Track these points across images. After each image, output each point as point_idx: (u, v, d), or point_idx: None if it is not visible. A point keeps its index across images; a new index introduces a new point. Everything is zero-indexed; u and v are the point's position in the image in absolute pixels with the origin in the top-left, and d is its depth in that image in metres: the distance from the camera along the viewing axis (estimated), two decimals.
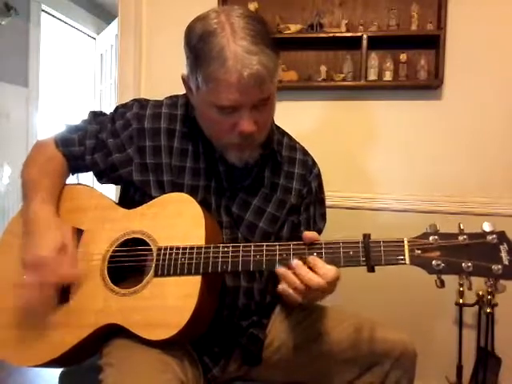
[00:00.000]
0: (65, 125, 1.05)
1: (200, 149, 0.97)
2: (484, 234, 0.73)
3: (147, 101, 1.02)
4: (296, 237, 1.02)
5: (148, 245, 0.87)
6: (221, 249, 0.83)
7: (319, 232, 1.06)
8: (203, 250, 0.83)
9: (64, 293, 0.88)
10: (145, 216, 0.91)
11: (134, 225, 0.90)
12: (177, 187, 0.95)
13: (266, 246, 0.81)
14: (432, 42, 1.71)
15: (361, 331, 0.96)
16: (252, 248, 0.82)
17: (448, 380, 1.73)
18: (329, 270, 0.75)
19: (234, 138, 0.87)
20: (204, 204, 0.92)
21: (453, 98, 1.74)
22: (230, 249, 0.82)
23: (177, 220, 0.88)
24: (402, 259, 0.74)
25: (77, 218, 0.94)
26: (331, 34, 1.75)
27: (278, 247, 0.81)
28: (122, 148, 0.97)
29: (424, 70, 1.71)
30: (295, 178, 1.03)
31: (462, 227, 0.74)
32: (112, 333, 0.85)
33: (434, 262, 0.73)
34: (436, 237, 0.74)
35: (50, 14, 3.58)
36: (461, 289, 1.59)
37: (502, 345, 1.65)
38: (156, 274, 0.84)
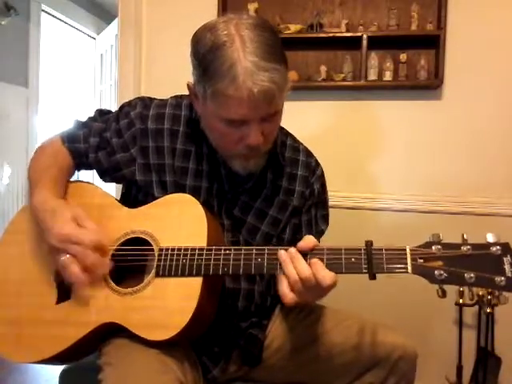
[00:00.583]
0: (73, 120, 1.05)
1: (203, 150, 0.97)
2: (488, 245, 0.72)
3: (151, 100, 1.02)
4: (298, 239, 1.03)
5: (150, 245, 0.87)
6: (222, 251, 0.82)
7: (321, 234, 1.06)
8: (205, 251, 0.83)
9: (65, 290, 0.88)
10: (147, 216, 0.91)
11: (136, 224, 0.90)
12: (179, 188, 0.95)
13: (268, 249, 0.81)
14: (432, 42, 1.71)
15: (361, 332, 0.96)
16: (254, 251, 0.81)
17: (448, 380, 1.73)
18: (327, 274, 0.74)
19: (241, 150, 0.87)
20: (206, 206, 0.92)
21: (453, 98, 1.74)
22: (232, 251, 0.82)
23: (179, 220, 0.88)
24: (404, 268, 0.73)
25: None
26: (331, 34, 1.75)
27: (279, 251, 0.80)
28: (126, 148, 0.98)
29: (424, 69, 1.71)
30: (298, 179, 1.02)
31: (465, 237, 0.73)
32: (112, 332, 0.85)
33: (436, 272, 0.72)
34: (439, 246, 0.73)
35: (50, 14, 3.58)
36: (461, 289, 1.59)
37: (502, 345, 1.64)
38: (157, 275, 0.84)
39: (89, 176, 1.14)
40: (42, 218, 0.87)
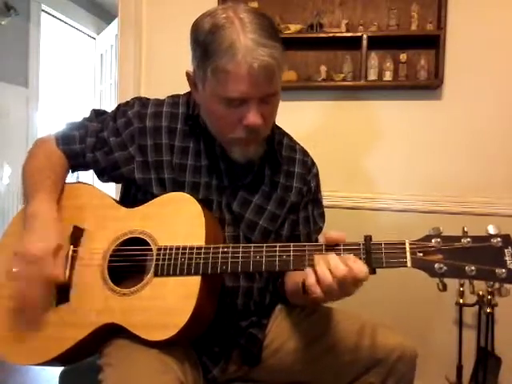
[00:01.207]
0: (66, 123, 1.05)
1: (201, 146, 0.97)
2: (488, 237, 0.71)
3: (148, 99, 1.03)
4: (295, 235, 1.03)
5: (148, 244, 0.87)
6: (220, 249, 0.82)
7: (319, 231, 1.07)
8: (203, 250, 0.83)
9: (64, 291, 0.88)
10: (145, 215, 0.91)
11: (134, 224, 0.90)
12: (178, 185, 0.95)
13: (266, 247, 0.81)
14: (432, 42, 1.71)
15: (361, 332, 0.96)
16: (252, 249, 0.81)
17: (448, 380, 1.73)
18: (360, 265, 0.72)
19: (240, 132, 0.87)
20: (206, 201, 0.92)
21: (453, 98, 1.74)
22: (230, 249, 0.82)
23: (177, 219, 0.88)
24: (403, 262, 0.73)
25: (78, 216, 0.94)
26: (331, 34, 1.75)
27: (278, 248, 0.80)
28: (124, 146, 0.98)
29: (424, 69, 1.71)
30: (295, 176, 1.03)
31: (465, 230, 0.73)
32: (112, 332, 0.85)
33: (436, 265, 0.71)
34: (439, 239, 0.73)
35: (50, 14, 3.58)
36: (461, 289, 1.59)
37: (502, 345, 1.64)
38: (156, 274, 0.84)
39: (89, 177, 1.14)
40: (30, 226, 0.87)
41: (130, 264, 0.88)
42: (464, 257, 0.71)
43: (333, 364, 0.95)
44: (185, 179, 0.96)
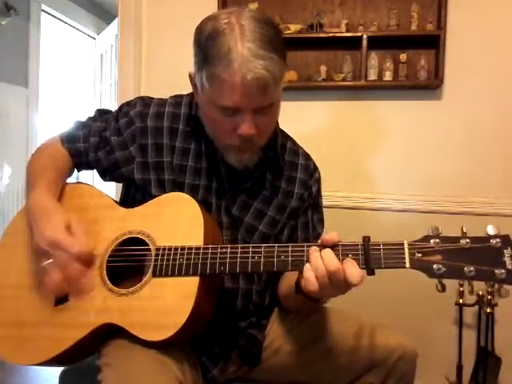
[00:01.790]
0: (73, 121, 1.06)
1: (202, 148, 0.97)
2: (488, 238, 0.70)
3: (151, 99, 1.02)
4: (294, 240, 1.02)
5: (147, 245, 0.87)
6: (219, 250, 0.82)
7: (318, 236, 1.06)
8: (201, 250, 0.83)
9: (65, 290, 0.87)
10: (144, 216, 0.91)
11: (133, 224, 0.90)
12: (177, 186, 0.95)
13: (265, 247, 0.80)
14: (432, 42, 1.71)
15: (361, 332, 0.95)
16: (250, 249, 0.81)
17: (448, 380, 1.73)
18: (358, 272, 0.73)
19: (235, 140, 0.87)
20: (204, 204, 0.92)
21: (453, 98, 1.74)
22: (228, 250, 0.82)
23: (176, 220, 0.88)
24: (402, 263, 0.73)
25: (77, 216, 0.94)
26: (331, 34, 1.75)
27: (276, 249, 0.80)
28: (125, 146, 0.98)
29: (424, 69, 1.71)
30: (297, 182, 1.02)
31: (464, 230, 0.72)
32: (111, 332, 0.85)
33: (434, 266, 0.71)
34: (437, 240, 0.72)
35: (50, 14, 3.58)
36: (461, 289, 1.59)
37: (502, 345, 1.64)
38: (154, 275, 0.84)
39: (89, 177, 1.14)
40: (34, 218, 0.87)
41: (128, 264, 0.88)
42: (463, 257, 0.70)
43: (332, 364, 0.95)
44: (184, 180, 0.96)
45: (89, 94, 4.11)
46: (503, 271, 0.68)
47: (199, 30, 0.85)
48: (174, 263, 0.83)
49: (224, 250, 0.82)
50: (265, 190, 0.99)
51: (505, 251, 0.69)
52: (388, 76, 1.73)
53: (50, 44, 3.88)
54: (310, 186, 1.04)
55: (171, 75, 1.92)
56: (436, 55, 1.72)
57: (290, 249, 0.79)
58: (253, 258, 0.80)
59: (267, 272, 0.99)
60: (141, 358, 0.80)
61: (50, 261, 0.82)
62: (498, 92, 1.70)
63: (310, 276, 0.74)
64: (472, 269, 0.69)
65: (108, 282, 0.86)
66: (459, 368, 1.69)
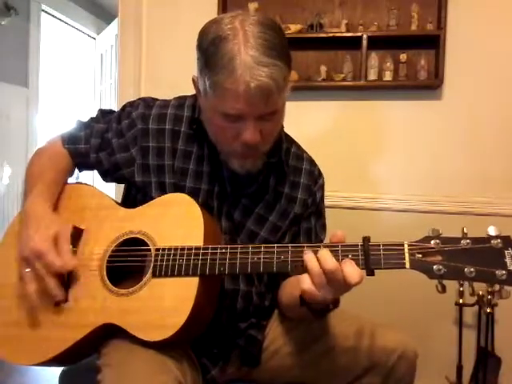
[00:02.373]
0: (75, 121, 1.05)
1: (205, 152, 0.96)
2: (488, 239, 0.70)
3: (154, 100, 1.01)
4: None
5: (147, 245, 0.87)
6: (218, 250, 0.82)
7: (321, 243, 1.06)
8: (201, 251, 0.83)
9: (63, 292, 0.87)
10: (145, 216, 0.91)
11: (133, 225, 0.90)
12: (178, 189, 0.94)
13: (264, 247, 0.80)
14: (432, 42, 1.71)
15: (361, 332, 0.95)
16: (250, 250, 0.80)
17: (448, 380, 1.73)
18: (355, 270, 0.72)
19: (237, 147, 0.86)
20: (205, 207, 0.91)
21: (453, 97, 1.74)
22: (228, 250, 0.82)
23: (176, 221, 0.88)
24: (402, 263, 0.72)
25: (77, 216, 0.94)
26: (331, 34, 1.75)
27: (276, 249, 0.79)
28: (126, 148, 0.98)
29: (424, 69, 1.71)
30: (300, 187, 1.01)
31: (465, 231, 0.72)
32: (111, 333, 0.85)
33: (435, 267, 0.70)
34: (438, 241, 0.72)
35: (50, 14, 3.58)
36: (461, 289, 1.58)
37: (502, 345, 1.64)
38: (154, 275, 0.84)
39: (89, 177, 1.14)
40: (26, 223, 0.87)
41: (128, 264, 0.88)
42: (463, 258, 0.70)
43: (332, 365, 0.95)
44: (185, 184, 0.95)
45: (89, 94, 4.11)
46: (504, 272, 0.68)
47: (202, 34, 0.84)
48: (173, 264, 0.83)
49: (224, 251, 0.82)
50: (268, 195, 0.98)
51: (506, 252, 0.69)
52: (388, 76, 1.73)
53: (50, 44, 3.88)
54: (313, 192, 1.03)
55: (171, 75, 1.92)
56: (436, 55, 1.73)
57: (289, 249, 0.79)
58: (252, 258, 0.80)
59: (267, 273, 0.98)
60: (140, 359, 0.80)
61: (27, 270, 0.83)
62: (498, 92, 1.70)
63: (304, 277, 0.73)
64: (472, 270, 0.69)
65: (108, 282, 0.86)
66: (459, 368, 1.69)
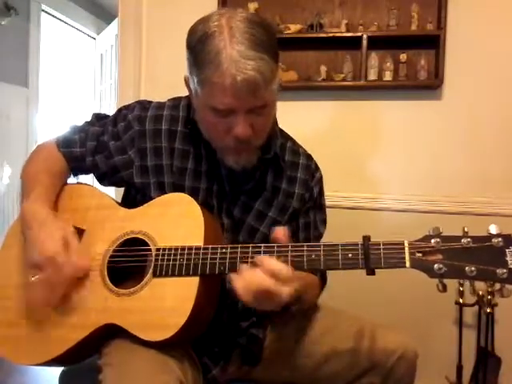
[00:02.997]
0: (69, 126, 1.05)
1: (202, 151, 0.97)
2: (489, 237, 0.70)
3: (150, 102, 1.02)
4: (296, 241, 1.02)
5: (148, 245, 0.87)
6: (219, 250, 0.82)
7: (320, 237, 1.06)
8: (201, 250, 0.83)
9: (64, 293, 0.87)
10: (145, 216, 0.91)
11: (134, 225, 0.90)
12: (178, 189, 0.94)
13: (264, 247, 0.80)
14: (432, 42, 1.71)
15: (361, 332, 0.95)
16: (250, 249, 0.81)
17: (448, 380, 1.73)
18: (271, 262, 0.74)
19: (230, 142, 0.86)
20: (205, 206, 0.91)
21: (453, 97, 1.74)
22: (228, 250, 0.82)
23: (177, 220, 0.88)
24: (402, 263, 0.72)
25: (77, 217, 0.94)
26: (331, 34, 1.75)
27: (276, 248, 0.80)
28: (124, 150, 0.98)
29: (424, 70, 1.71)
30: (297, 182, 1.02)
31: (466, 230, 0.72)
32: (112, 333, 0.85)
33: (435, 266, 0.70)
34: (438, 239, 0.71)
35: (50, 14, 3.58)
36: (461, 288, 1.58)
37: (502, 345, 1.64)
38: (155, 275, 0.84)
39: (89, 179, 1.14)
40: (30, 227, 0.87)
41: (129, 265, 0.88)
42: (464, 257, 0.69)
43: (333, 365, 0.95)
44: (184, 183, 0.95)
45: (89, 94, 4.11)
46: (505, 271, 0.67)
47: (190, 33, 0.85)
48: (174, 263, 0.83)
49: (224, 251, 0.82)
50: (266, 191, 0.99)
51: (507, 251, 0.68)
52: (388, 76, 1.73)
53: (50, 44, 3.88)
54: (311, 186, 1.03)
55: (171, 75, 1.91)
56: (436, 55, 1.72)
57: (289, 248, 0.79)
58: (252, 257, 0.80)
59: None
60: (141, 358, 0.80)
61: (37, 277, 0.83)
62: (498, 92, 1.70)
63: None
64: (473, 268, 0.68)
65: (109, 282, 0.87)
66: (459, 368, 1.69)
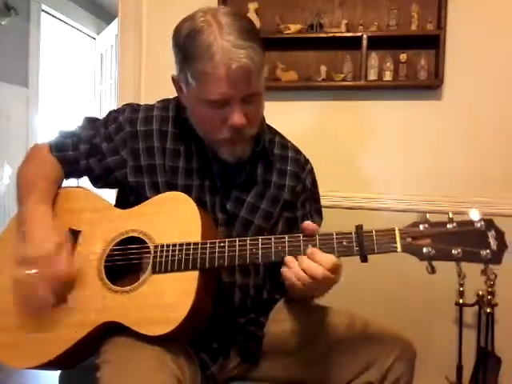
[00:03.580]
0: (58, 131, 1.06)
1: (192, 149, 0.99)
2: (472, 222, 0.75)
3: (139, 105, 1.04)
4: (290, 233, 1.03)
5: (145, 243, 0.88)
6: (217, 244, 0.84)
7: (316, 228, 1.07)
8: (200, 245, 0.84)
9: (61, 293, 0.87)
10: (141, 215, 0.92)
11: (130, 224, 0.91)
12: (171, 188, 0.96)
13: (262, 239, 0.83)
14: (432, 42, 1.71)
15: (359, 331, 0.96)
16: (248, 242, 0.83)
17: (448, 380, 1.73)
18: (326, 257, 0.78)
19: (226, 133, 0.89)
20: (199, 203, 0.92)
21: (453, 97, 1.74)
22: (226, 243, 0.84)
23: (173, 218, 0.89)
24: (393, 247, 0.77)
25: (73, 218, 0.95)
26: (331, 34, 1.75)
27: (273, 240, 0.82)
28: (116, 151, 0.99)
29: (424, 70, 1.71)
30: (288, 174, 1.04)
31: (451, 216, 0.77)
32: (111, 331, 0.85)
33: (424, 250, 0.75)
34: (426, 225, 0.77)
35: (50, 14, 3.58)
36: (461, 289, 1.59)
37: (502, 345, 1.64)
38: (154, 271, 0.85)
39: (86, 180, 1.14)
40: (28, 226, 0.88)
41: (126, 263, 0.88)
42: (450, 240, 0.75)
43: (331, 363, 0.96)
44: (177, 182, 0.97)
45: (89, 94, 4.11)
46: (488, 251, 0.73)
47: (176, 32, 0.88)
48: (173, 259, 0.84)
49: (222, 245, 0.84)
50: (257, 184, 1.01)
51: (489, 233, 0.74)
52: (388, 76, 1.73)
53: (50, 44, 3.88)
54: (302, 178, 1.06)
55: (171, 75, 1.92)
56: (436, 55, 1.72)
57: (286, 239, 0.82)
58: (251, 250, 0.82)
59: (265, 263, 1.00)
60: (139, 356, 0.80)
61: (34, 271, 0.83)
62: (498, 92, 1.70)
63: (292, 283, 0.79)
64: (459, 250, 0.74)
65: (107, 281, 0.87)
66: (459, 368, 1.69)
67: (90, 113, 1.13)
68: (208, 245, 0.84)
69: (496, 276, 0.77)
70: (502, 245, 0.73)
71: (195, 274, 0.82)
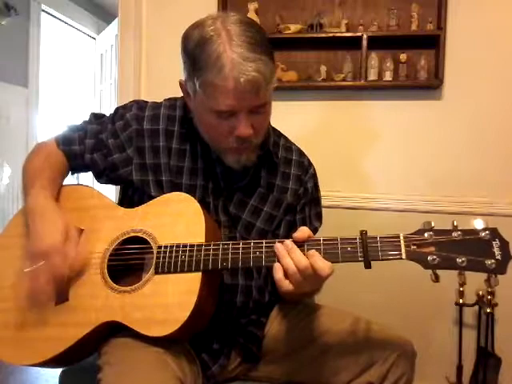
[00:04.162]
0: (66, 125, 1.06)
1: (198, 149, 0.98)
2: (477, 231, 0.75)
3: (146, 102, 1.04)
4: (290, 237, 1.03)
5: (148, 243, 0.88)
6: (221, 246, 0.84)
7: (315, 231, 1.07)
8: (203, 247, 0.84)
9: (63, 291, 0.87)
10: (145, 215, 0.92)
11: (134, 223, 0.91)
12: (175, 187, 0.96)
13: (266, 242, 0.82)
14: (432, 42, 1.71)
15: (360, 332, 0.96)
16: (252, 245, 0.83)
17: (448, 380, 1.73)
18: (325, 264, 0.76)
19: (232, 142, 0.89)
20: (202, 203, 0.92)
21: (453, 97, 1.74)
22: (230, 246, 0.83)
23: (177, 219, 0.89)
24: (398, 254, 0.76)
25: (76, 217, 0.94)
26: (331, 34, 1.75)
27: (277, 243, 0.81)
28: (122, 148, 0.99)
29: (424, 70, 1.71)
30: (291, 178, 1.04)
31: (455, 224, 0.76)
32: (112, 331, 0.85)
33: (429, 257, 0.75)
34: (431, 233, 0.76)
35: (50, 14, 3.58)
36: (461, 289, 1.59)
37: (502, 345, 1.64)
38: (156, 272, 0.85)
39: (89, 179, 1.14)
40: (33, 220, 0.88)
41: (129, 263, 0.88)
42: (455, 249, 0.74)
43: (331, 364, 0.96)
44: (181, 181, 0.97)
45: (89, 94, 4.11)
46: (493, 261, 0.72)
47: (186, 39, 0.87)
48: (176, 260, 0.84)
49: (226, 246, 0.83)
50: (260, 187, 1.01)
51: (493, 243, 0.74)
52: (388, 76, 1.73)
53: (50, 44, 3.88)
54: (305, 182, 1.06)
55: (171, 75, 1.91)
56: (436, 55, 1.72)
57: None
58: (254, 253, 0.82)
59: (268, 267, 0.99)
60: (140, 356, 0.80)
61: (41, 263, 0.82)
62: (498, 92, 1.70)
63: (283, 282, 0.78)
64: (464, 259, 0.73)
65: (109, 280, 0.87)
66: (459, 368, 1.69)
67: (89, 113, 1.14)
68: (211, 246, 0.84)
69: (498, 282, 0.76)
70: (507, 255, 0.73)
71: (198, 275, 0.83)
